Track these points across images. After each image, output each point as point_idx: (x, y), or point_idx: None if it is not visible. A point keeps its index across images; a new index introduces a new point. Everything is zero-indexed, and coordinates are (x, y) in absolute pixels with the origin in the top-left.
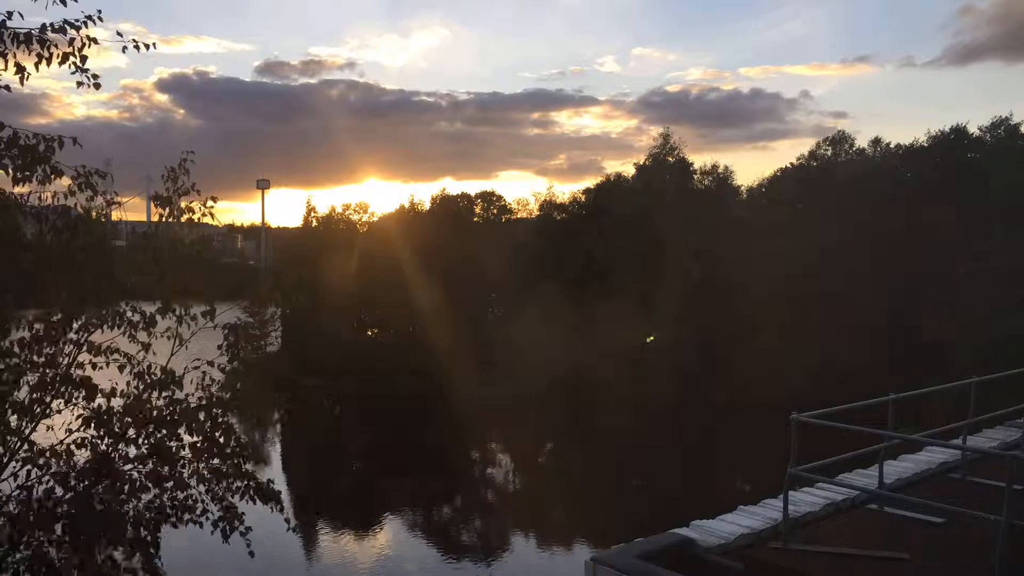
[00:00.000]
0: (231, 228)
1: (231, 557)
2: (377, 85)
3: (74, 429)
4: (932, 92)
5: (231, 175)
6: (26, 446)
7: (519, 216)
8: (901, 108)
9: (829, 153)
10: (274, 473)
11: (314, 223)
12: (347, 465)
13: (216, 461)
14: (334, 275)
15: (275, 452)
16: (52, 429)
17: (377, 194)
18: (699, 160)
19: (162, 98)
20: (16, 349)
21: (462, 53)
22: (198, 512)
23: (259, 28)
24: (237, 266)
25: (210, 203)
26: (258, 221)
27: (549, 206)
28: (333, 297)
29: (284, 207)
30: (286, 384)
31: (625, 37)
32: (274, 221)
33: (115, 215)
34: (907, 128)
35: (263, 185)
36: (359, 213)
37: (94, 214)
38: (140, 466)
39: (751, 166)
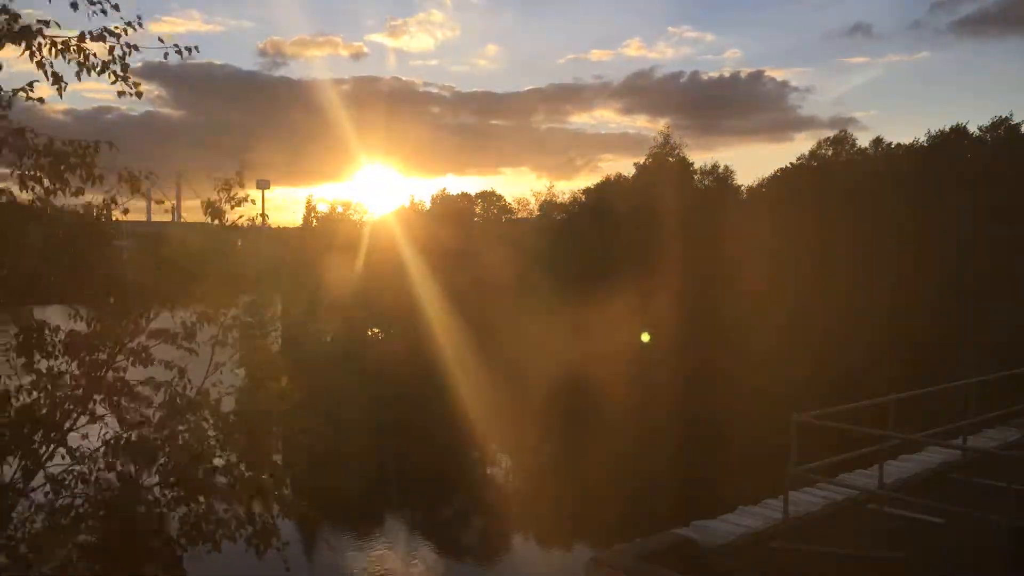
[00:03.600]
0: (230, 228)
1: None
2: (379, 76)
3: (107, 441)
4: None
5: (222, 170)
6: (56, 458)
7: (520, 216)
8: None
9: (830, 153)
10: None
11: (314, 223)
12: (346, 465)
13: (250, 473)
14: (334, 275)
15: (276, 455)
16: (87, 438)
17: (378, 190)
18: (713, 158)
19: (144, 88)
20: (60, 351)
21: (473, 38)
22: (233, 527)
23: (254, 12)
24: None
25: (259, 219)
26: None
27: (549, 206)
28: (333, 297)
29: (279, 203)
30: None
31: (657, 15)
32: (270, 219)
33: (116, 215)
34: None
35: (263, 185)
36: (358, 213)
37: (95, 212)
38: (172, 480)
39: (775, 159)
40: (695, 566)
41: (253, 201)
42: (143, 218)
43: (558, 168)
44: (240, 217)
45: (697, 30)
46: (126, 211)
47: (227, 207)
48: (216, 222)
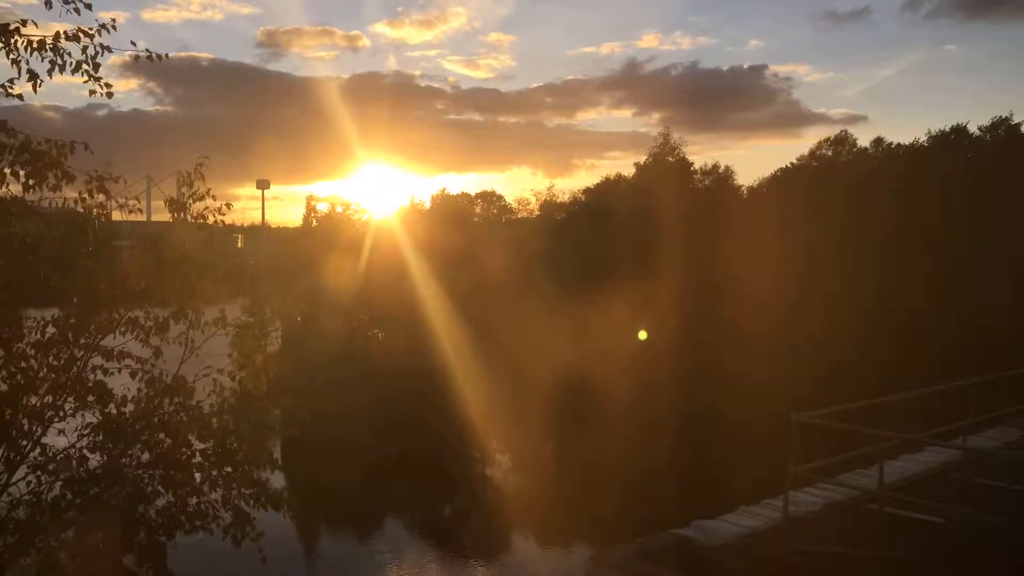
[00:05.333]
0: (230, 227)
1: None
2: (380, 71)
3: (85, 434)
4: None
5: (218, 168)
6: (37, 450)
7: (521, 215)
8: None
9: (830, 153)
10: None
11: (314, 223)
12: (346, 464)
13: (228, 469)
14: (335, 275)
15: (275, 453)
16: (63, 433)
17: (379, 188)
18: (720, 155)
19: (133, 83)
20: (31, 351)
21: (478, 27)
22: (209, 518)
23: (249, 2)
24: (238, 265)
25: (224, 209)
26: (248, 218)
27: (549, 206)
28: (334, 297)
29: (277, 202)
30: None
31: (673, 5)
32: (266, 217)
33: (116, 215)
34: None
35: (263, 185)
36: (358, 213)
37: (95, 212)
38: (152, 471)
39: (784, 155)
40: (695, 566)
41: (214, 197)
42: (143, 218)
43: (560, 165)
44: (206, 208)
45: (715, 21)
46: (102, 207)
47: (189, 202)
48: (180, 215)
